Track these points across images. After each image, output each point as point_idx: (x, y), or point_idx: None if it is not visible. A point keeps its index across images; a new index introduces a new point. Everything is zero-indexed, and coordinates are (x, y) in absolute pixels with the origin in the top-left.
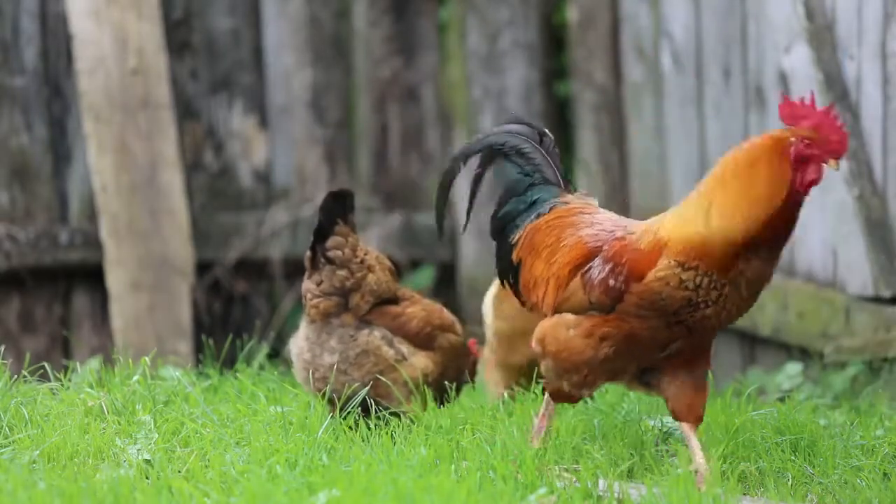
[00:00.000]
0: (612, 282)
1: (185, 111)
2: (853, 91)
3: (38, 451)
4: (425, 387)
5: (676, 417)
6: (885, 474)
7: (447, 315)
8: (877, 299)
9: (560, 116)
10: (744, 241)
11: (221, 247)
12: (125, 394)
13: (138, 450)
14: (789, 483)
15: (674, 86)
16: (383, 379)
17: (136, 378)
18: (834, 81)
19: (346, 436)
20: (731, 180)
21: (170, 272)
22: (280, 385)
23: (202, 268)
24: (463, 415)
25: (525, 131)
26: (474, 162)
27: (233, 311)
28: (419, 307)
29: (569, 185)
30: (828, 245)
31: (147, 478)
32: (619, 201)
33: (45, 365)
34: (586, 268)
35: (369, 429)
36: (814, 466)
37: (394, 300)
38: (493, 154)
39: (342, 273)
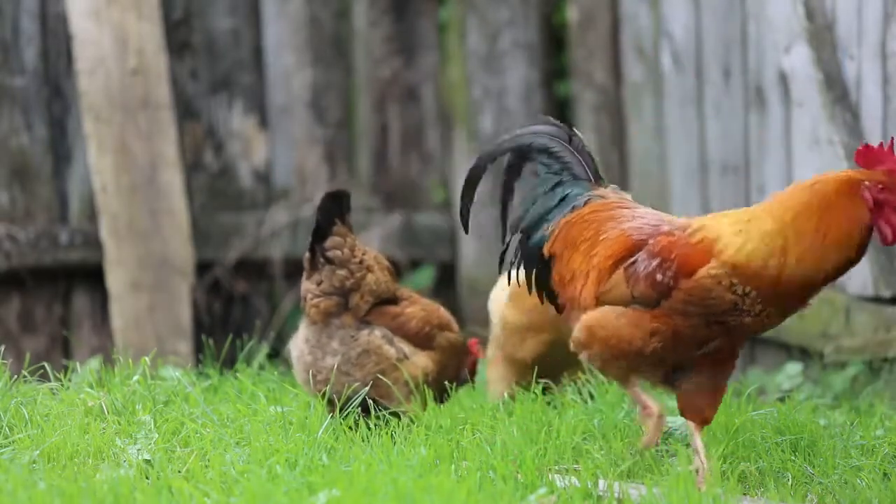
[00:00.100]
0: (659, 276)
1: (185, 111)
2: (853, 91)
3: (38, 451)
4: (425, 386)
5: (683, 414)
6: (885, 474)
7: (445, 314)
8: (877, 299)
9: (560, 116)
10: (822, 282)
11: (221, 247)
12: (125, 394)
13: (138, 450)
14: (789, 483)
15: (674, 86)
16: (384, 379)
17: (136, 378)
18: (834, 81)
19: (346, 436)
20: (805, 223)
21: (170, 272)
22: (280, 385)
23: (202, 268)
24: (463, 415)
25: (553, 131)
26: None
27: (233, 311)
28: (418, 307)
29: (601, 181)
30: None
31: (147, 478)
32: None
33: (45, 365)
34: (630, 261)
35: (369, 429)
36: (814, 466)
37: (393, 300)
38: (520, 155)
39: (342, 273)
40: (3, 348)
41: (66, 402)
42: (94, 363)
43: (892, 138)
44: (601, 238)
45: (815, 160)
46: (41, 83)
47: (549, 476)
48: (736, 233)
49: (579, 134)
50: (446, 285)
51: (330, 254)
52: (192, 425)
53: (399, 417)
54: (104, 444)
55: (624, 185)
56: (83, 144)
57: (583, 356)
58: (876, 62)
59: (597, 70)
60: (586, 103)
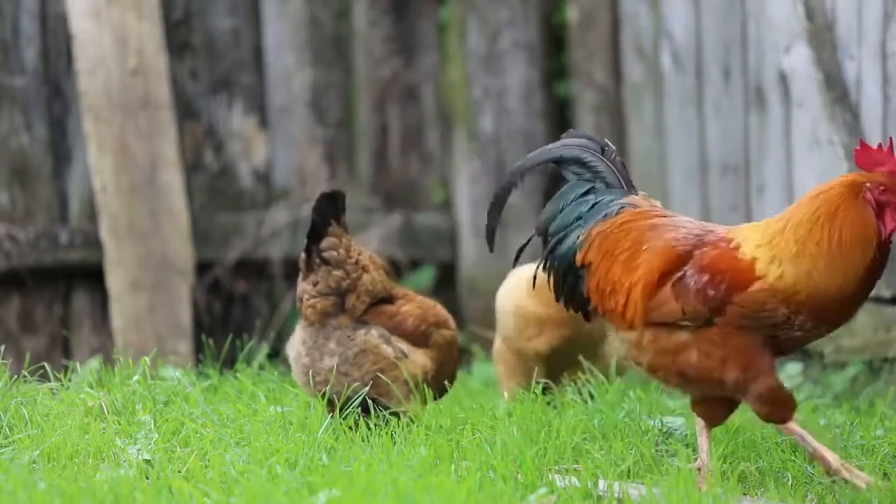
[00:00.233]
0: (711, 292)
1: (185, 111)
2: (853, 91)
3: (38, 451)
4: (424, 384)
5: (693, 410)
6: (885, 474)
7: (441, 311)
8: (877, 299)
9: (560, 116)
10: (858, 290)
11: (221, 247)
12: (125, 394)
13: (138, 450)
14: (789, 483)
15: (674, 86)
16: (383, 378)
17: (136, 378)
18: (834, 81)
19: (346, 436)
20: (819, 235)
21: (170, 272)
22: (280, 385)
23: (202, 268)
24: (463, 415)
25: (585, 143)
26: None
27: (233, 311)
28: (414, 305)
29: (634, 190)
30: None
31: (147, 478)
32: None
33: (45, 365)
34: (678, 275)
35: (369, 429)
36: (814, 466)
37: (389, 299)
38: (552, 167)
39: (338, 273)
40: (3, 348)
41: (66, 402)
42: (94, 363)
43: (891, 139)
44: (643, 248)
45: (815, 160)
46: (41, 83)
47: (549, 476)
48: (769, 259)
49: (612, 146)
50: (446, 285)
51: (326, 254)
52: (192, 425)
53: (399, 417)
54: (104, 444)
55: None
56: (83, 144)
57: (639, 371)
58: (876, 62)
59: (597, 70)
60: (586, 103)
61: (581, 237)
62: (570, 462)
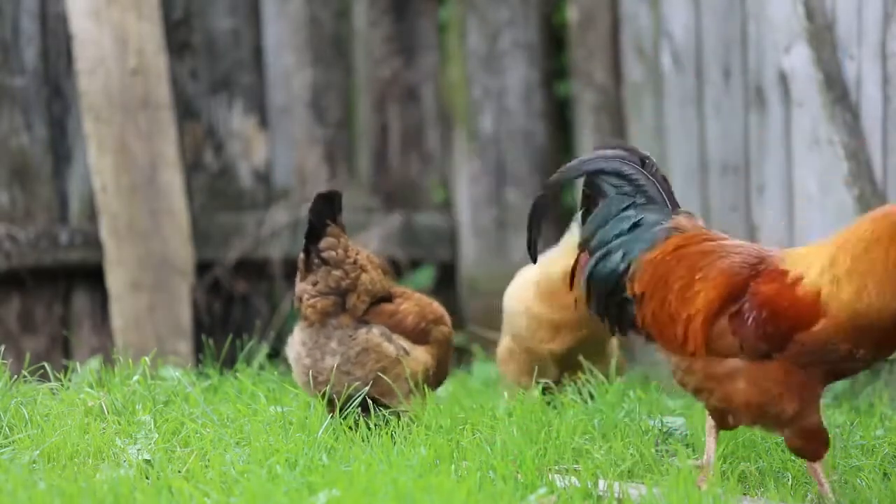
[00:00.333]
0: (770, 329)
1: (185, 111)
2: (853, 91)
3: (38, 451)
4: (425, 381)
5: (710, 413)
6: (885, 474)
7: (438, 307)
8: None
9: (560, 116)
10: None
11: (221, 247)
12: (125, 394)
13: (138, 450)
14: (789, 483)
15: (674, 86)
16: (385, 376)
17: (136, 378)
18: (834, 81)
19: (346, 436)
20: (873, 267)
21: (170, 272)
22: (280, 385)
23: (202, 268)
24: (463, 415)
25: (624, 155)
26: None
27: (233, 311)
28: (412, 302)
29: (676, 205)
30: None
31: (147, 478)
32: None
33: (45, 365)
34: (735, 309)
35: (369, 429)
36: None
37: (388, 298)
38: (590, 179)
39: (337, 273)
40: (3, 348)
41: (66, 402)
42: (94, 363)
43: None
44: (697, 277)
45: (815, 160)
46: (41, 83)
47: (549, 476)
48: (830, 286)
49: (652, 158)
50: (446, 285)
51: (325, 254)
52: (192, 425)
53: (399, 417)
54: (104, 444)
55: None
56: (83, 144)
57: (681, 389)
58: (876, 62)
59: (597, 70)
60: (586, 103)
61: (631, 266)
62: (570, 462)
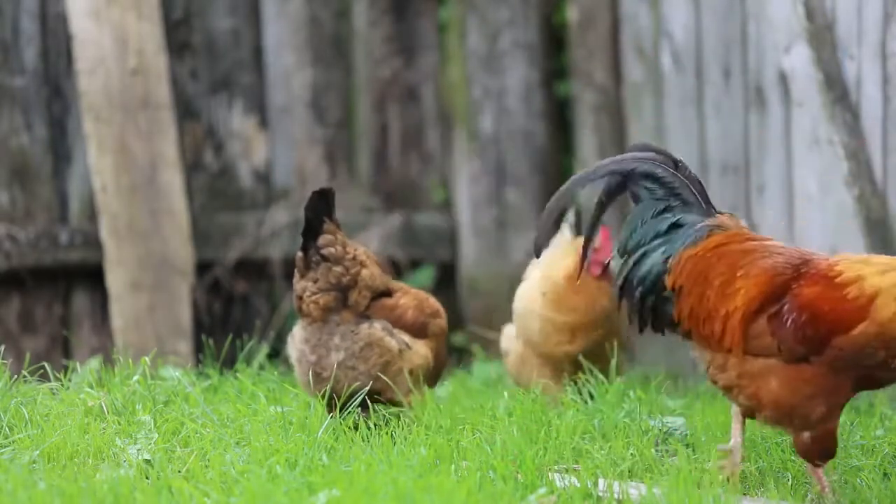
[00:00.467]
0: (810, 332)
1: (185, 111)
2: (853, 91)
3: (38, 451)
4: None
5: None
6: (885, 474)
7: (434, 302)
8: None
9: (560, 116)
10: None
11: (221, 247)
12: (125, 394)
13: (138, 450)
14: (789, 483)
15: (674, 86)
16: (390, 370)
17: (136, 378)
18: (834, 81)
19: (346, 436)
20: None
21: (170, 272)
22: (280, 385)
23: (202, 268)
24: (463, 415)
25: (656, 157)
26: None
27: (233, 311)
28: (410, 297)
29: (712, 207)
30: (828, 245)
31: (147, 478)
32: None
33: (45, 365)
34: (774, 310)
35: (369, 429)
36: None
37: (387, 293)
38: (620, 180)
39: (338, 269)
40: (3, 348)
41: (66, 402)
42: (94, 363)
43: None
44: (738, 274)
45: (815, 160)
46: (41, 83)
47: (549, 476)
48: (891, 289)
49: (684, 161)
50: (446, 285)
51: (325, 251)
52: (192, 425)
53: (399, 417)
54: (104, 444)
55: None
56: (83, 144)
57: (711, 385)
58: (876, 62)
59: (597, 70)
60: (586, 103)
61: (670, 260)
62: (570, 462)
